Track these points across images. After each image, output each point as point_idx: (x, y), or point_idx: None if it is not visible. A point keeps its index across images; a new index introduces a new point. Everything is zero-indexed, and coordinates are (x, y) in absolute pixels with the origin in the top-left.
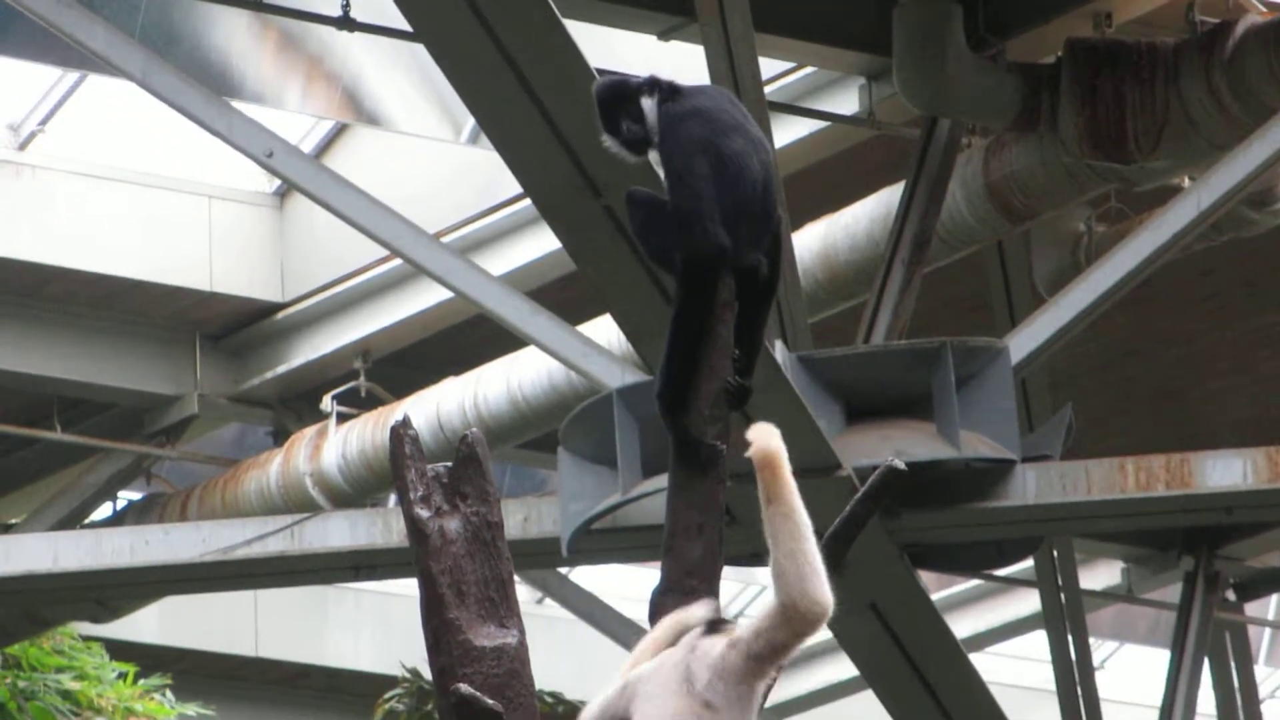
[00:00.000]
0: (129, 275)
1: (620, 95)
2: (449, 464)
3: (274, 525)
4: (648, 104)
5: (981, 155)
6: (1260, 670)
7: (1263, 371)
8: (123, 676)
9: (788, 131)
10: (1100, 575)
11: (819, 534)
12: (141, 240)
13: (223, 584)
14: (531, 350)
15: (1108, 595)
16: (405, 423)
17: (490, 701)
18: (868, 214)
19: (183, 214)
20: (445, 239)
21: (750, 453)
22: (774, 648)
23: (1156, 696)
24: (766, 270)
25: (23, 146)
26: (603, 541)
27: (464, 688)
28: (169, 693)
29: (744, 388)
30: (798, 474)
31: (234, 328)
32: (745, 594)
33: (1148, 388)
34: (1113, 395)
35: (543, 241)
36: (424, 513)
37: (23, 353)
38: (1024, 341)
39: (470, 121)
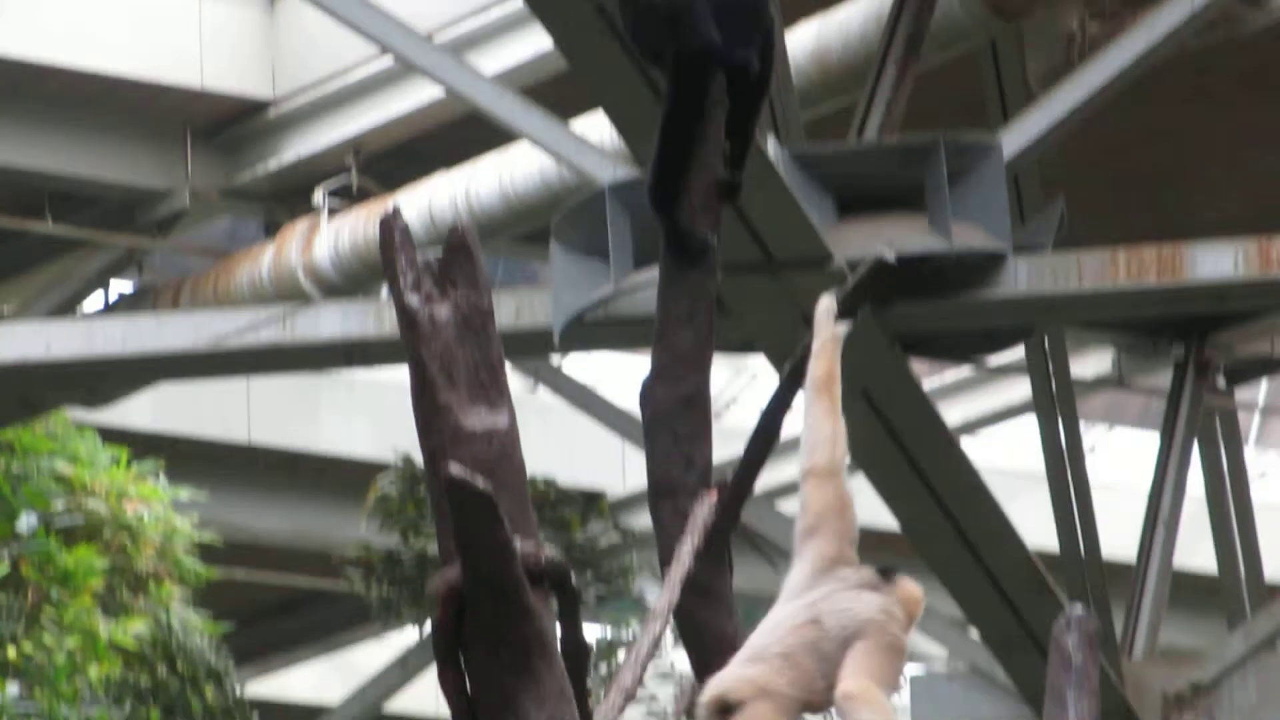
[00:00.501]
0: (121, 72)
1: None
2: (439, 252)
3: (266, 313)
4: None
5: None
6: (1249, 453)
7: (1255, 166)
8: (116, 461)
9: None
10: (1091, 362)
11: (808, 325)
12: (133, 36)
13: (215, 372)
14: (523, 145)
15: (1098, 383)
16: (395, 213)
17: (481, 482)
18: (861, 12)
19: (173, 10)
20: (437, 36)
21: (816, 334)
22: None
23: (1146, 480)
24: (758, 68)
25: None
26: (594, 331)
27: (455, 468)
28: (162, 477)
29: (734, 183)
30: (790, 265)
31: (225, 123)
32: (736, 382)
33: (1140, 181)
34: (1105, 189)
35: (535, 39)
36: (414, 299)
37: (14, 146)
38: (1017, 137)
39: None
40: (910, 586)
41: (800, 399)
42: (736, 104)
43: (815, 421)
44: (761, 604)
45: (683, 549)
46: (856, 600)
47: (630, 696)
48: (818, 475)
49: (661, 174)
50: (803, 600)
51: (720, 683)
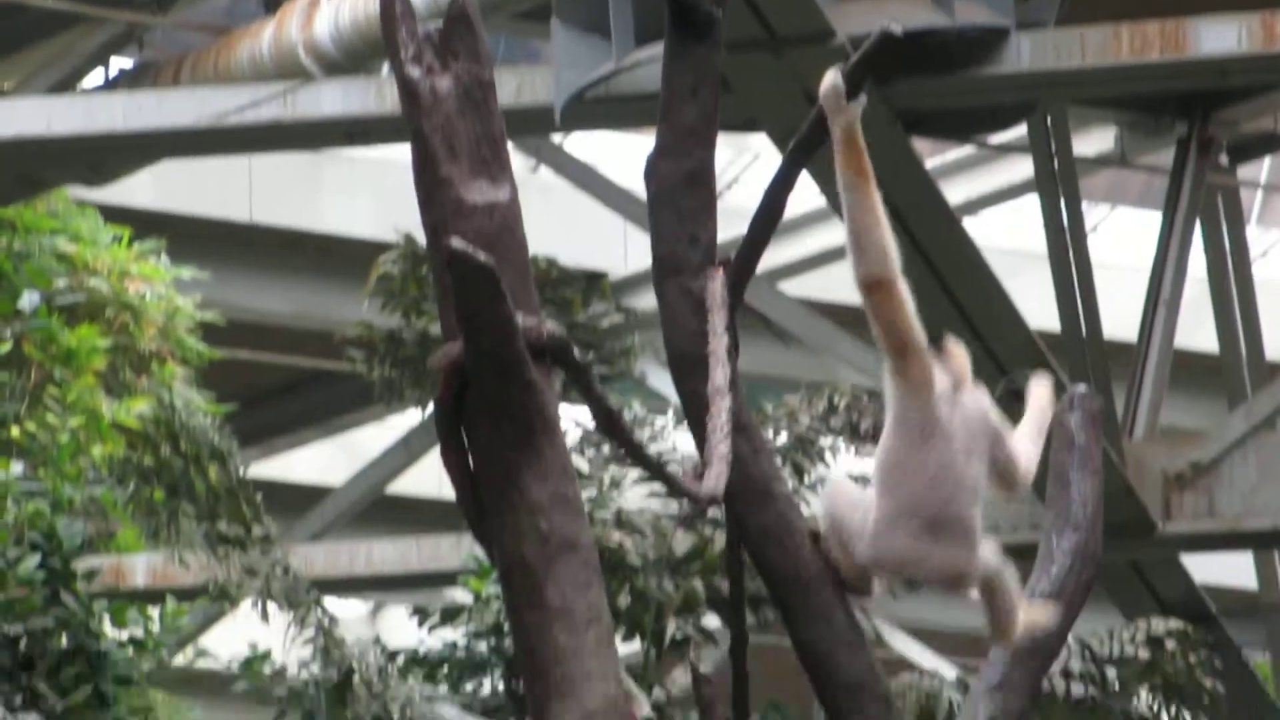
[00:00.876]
0: None
1: None
2: (440, 24)
3: (267, 91)
4: None
5: None
6: (1251, 231)
7: None
8: (117, 240)
9: None
10: (1093, 140)
11: (812, 103)
12: None
13: (216, 149)
14: None
15: (1101, 161)
16: None
17: (481, 255)
18: None
19: None
20: None
21: (831, 118)
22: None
23: (1148, 259)
24: None
25: None
26: (595, 110)
27: (455, 241)
28: (164, 256)
29: None
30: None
31: None
32: (739, 160)
33: None
34: None
35: None
36: (415, 72)
37: None
38: None
39: None
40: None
41: (804, 177)
42: None
43: (861, 224)
44: (765, 385)
45: (715, 322)
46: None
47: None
48: (881, 287)
49: None
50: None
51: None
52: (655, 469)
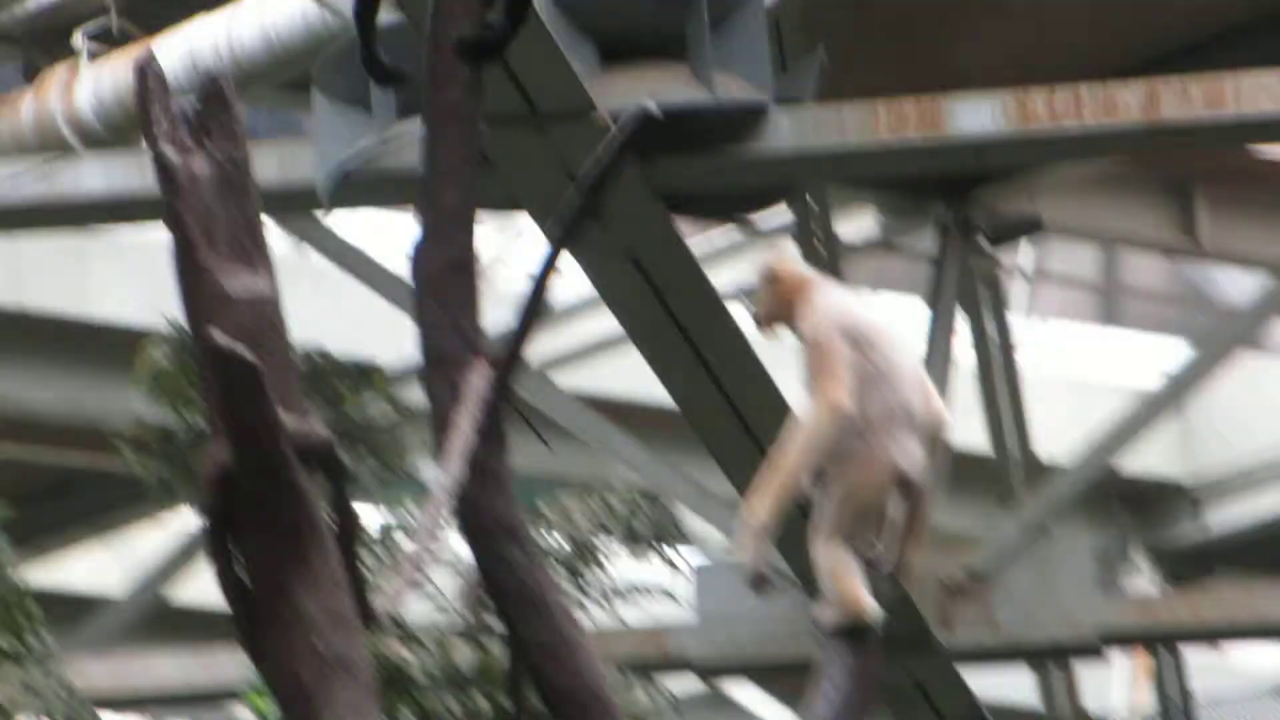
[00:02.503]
0: None
1: None
2: (195, 100)
3: (25, 165)
4: None
5: None
6: (1019, 321)
7: (1014, 9)
8: None
9: None
10: (856, 225)
11: (574, 180)
12: None
13: None
14: None
15: (864, 246)
16: (150, 57)
17: (245, 352)
18: None
19: None
20: None
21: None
22: None
23: (916, 348)
24: None
25: None
26: (362, 187)
27: (219, 337)
28: None
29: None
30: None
31: None
32: (501, 240)
33: (901, 28)
34: (866, 36)
35: None
36: (171, 150)
37: None
38: None
39: None
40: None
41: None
42: None
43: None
44: (539, 484)
45: (460, 421)
46: None
47: (413, 582)
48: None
49: None
50: None
51: None
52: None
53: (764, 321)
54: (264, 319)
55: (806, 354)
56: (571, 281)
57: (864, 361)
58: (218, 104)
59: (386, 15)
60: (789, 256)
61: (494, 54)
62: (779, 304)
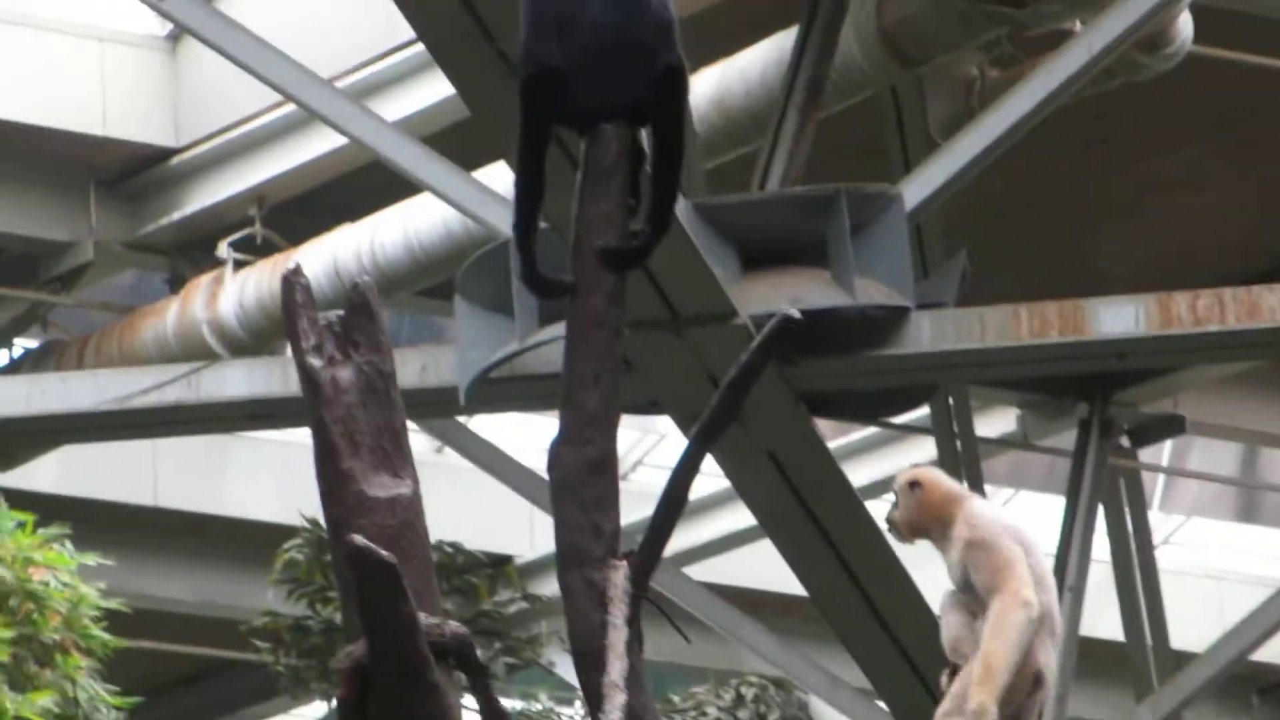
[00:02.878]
0: (21, 119)
1: None
2: (341, 312)
3: (171, 374)
4: None
5: (875, 0)
6: (1153, 516)
7: (1154, 216)
8: (21, 526)
9: None
10: (995, 423)
11: (715, 384)
12: (34, 84)
13: (120, 433)
14: (428, 196)
15: (1003, 442)
16: (296, 270)
17: (383, 553)
18: (762, 59)
19: (75, 57)
20: (340, 83)
21: None
22: None
23: (1052, 542)
24: (658, 119)
25: None
26: (501, 390)
27: (357, 539)
28: (68, 543)
29: (636, 249)
30: (694, 322)
31: (129, 173)
32: (644, 443)
33: (1041, 233)
34: (1007, 241)
35: (438, 86)
36: (316, 361)
37: None
38: (918, 188)
39: None
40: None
41: (709, 461)
42: (654, 156)
43: None
44: (671, 673)
45: (615, 616)
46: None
47: None
48: None
49: (516, 209)
50: None
51: None
52: None
53: (905, 529)
54: (404, 520)
55: (977, 556)
56: (706, 477)
57: (1030, 564)
58: (363, 314)
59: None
60: (932, 468)
61: (637, 263)
62: (923, 512)
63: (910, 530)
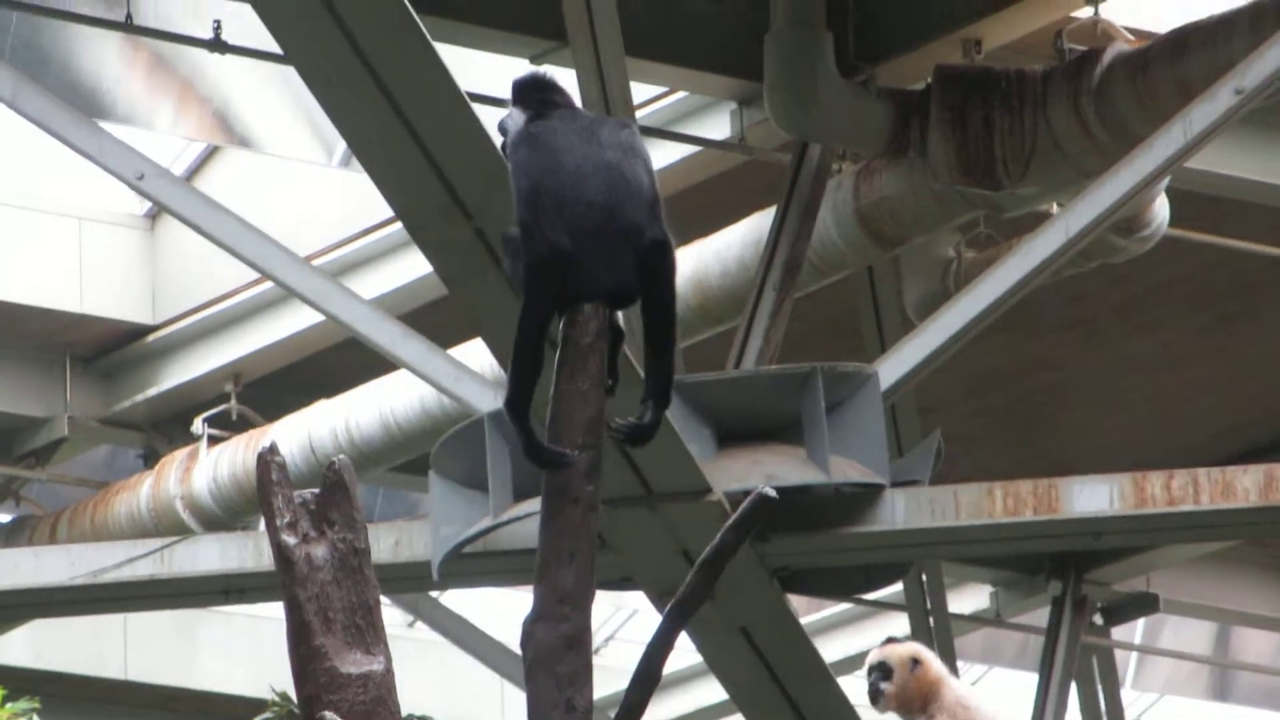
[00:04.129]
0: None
1: (515, 93)
2: (316, 490)
3: (144, 549)
4: (514, 115)
5: (852, 181)
6: (1126, 694)
7: (1130, 398)
8: None
9: (660, 156)
10: (969, 599)
11: (690, 562)
12: (11, 261)
13: (92, 607)
14: (404, 374)
15: (976, 619)
16: (272, 449)
17: None
18: (739, 239)
19: (53, 235)
20: (317, 262)
21: None
22: None
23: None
24: (647, 295)
25: None
26: (474, 565)
27: (329, 716)
28: (36, 717)
29: (640, 428)
30: (669, 498)
31: (105, 349)
32: (616, 617)
33: (1017, 414)
34: (982, 421)
35: (414, 264)
36: (290, 539)
37: None
38: (894, 367)
39: (342, 144)
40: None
41: (682, 637)
42: (647, 336)
43: None
44: None
45: None
46: None
47: None
48: None
49: (512, 385)
50: None
51: None
52: None
53: (895, 703)
54: (375, 696)
55: None
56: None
57: None
58: (339, 492)
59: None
60: (923, 646)
61: (648, 439)
62: (918, 689)
63: (900, 705)
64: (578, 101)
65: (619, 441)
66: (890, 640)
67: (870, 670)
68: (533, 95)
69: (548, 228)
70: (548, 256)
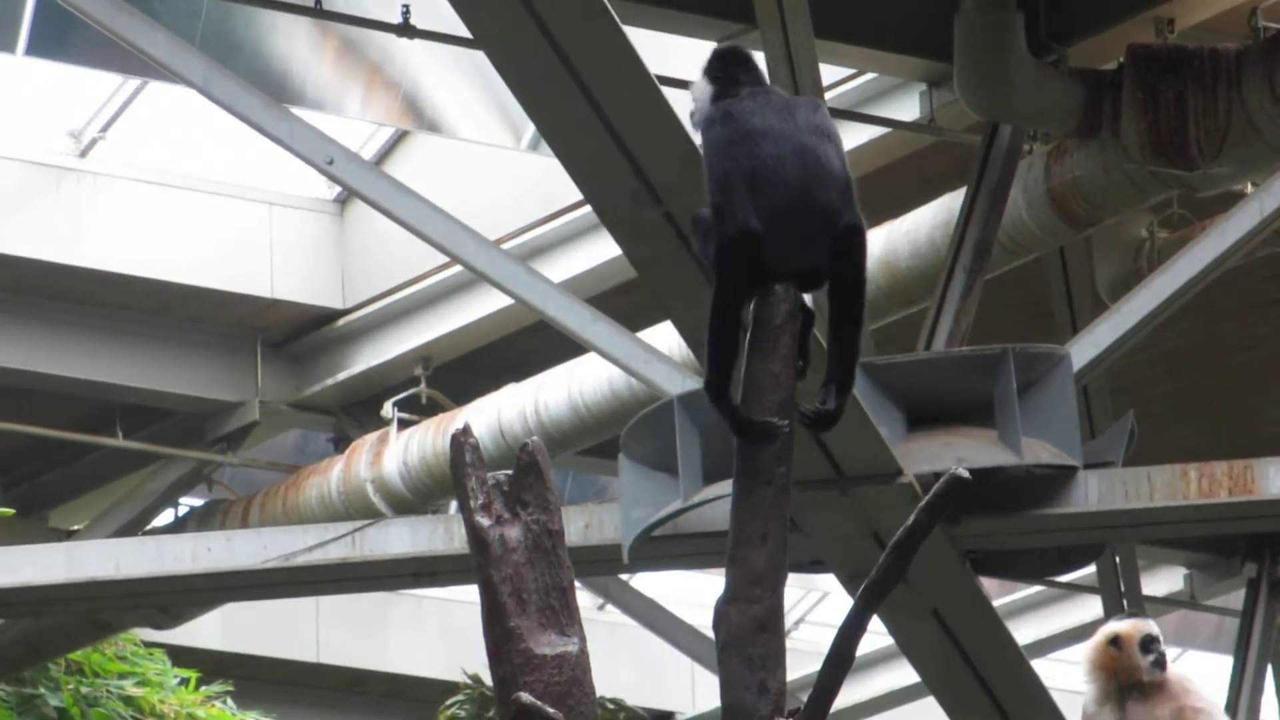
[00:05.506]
0: (191, 282)
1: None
2: (510, 472)
3: (335, 532)
4: (701, 85)
5: (1043, 162)
6: None
7: None
8: (184, 683)
9: (849, 138)
10: (1163, 581)
11: (881, 545)
12: (203, 247)
13: (284, 591)
14: (592, 357)
15: (1170, 601)
16: (465, 430)
17: (551, 710)
18: (929, 220)
19: (244, 221)
20: (506, 245)
21: None
22: None
23: (1220, 703)
24: (838, 277)
25: (84, 153)
26: (664, 548)
27: (525, 696)
28: (230, 699)
29: (825, 413)
30: (860, 480)
31: (295, 334)
32: (806, 600)
33: (1210, 394)
34: (1175, 402)
35: (603, 248)
36: (485, 521)
37: (85, 359)
38: (1086, 348)
39: (531, 128)
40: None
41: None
42: (833, 319)
43: None
44: None
45: None
46: None
47: None
48: None
49: (712, 366)
50: None
51: None
52: None
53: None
54: (570, 677)
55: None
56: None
57: None
58: (532, 473)
59: (691, 381)
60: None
61: (834, 423)
62: (1123, 670)
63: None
64: (767, 79)
65: (805, 427)
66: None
67: (1152, 639)
68: (725, 68)
69: (740, 209)
70: (739, 238)
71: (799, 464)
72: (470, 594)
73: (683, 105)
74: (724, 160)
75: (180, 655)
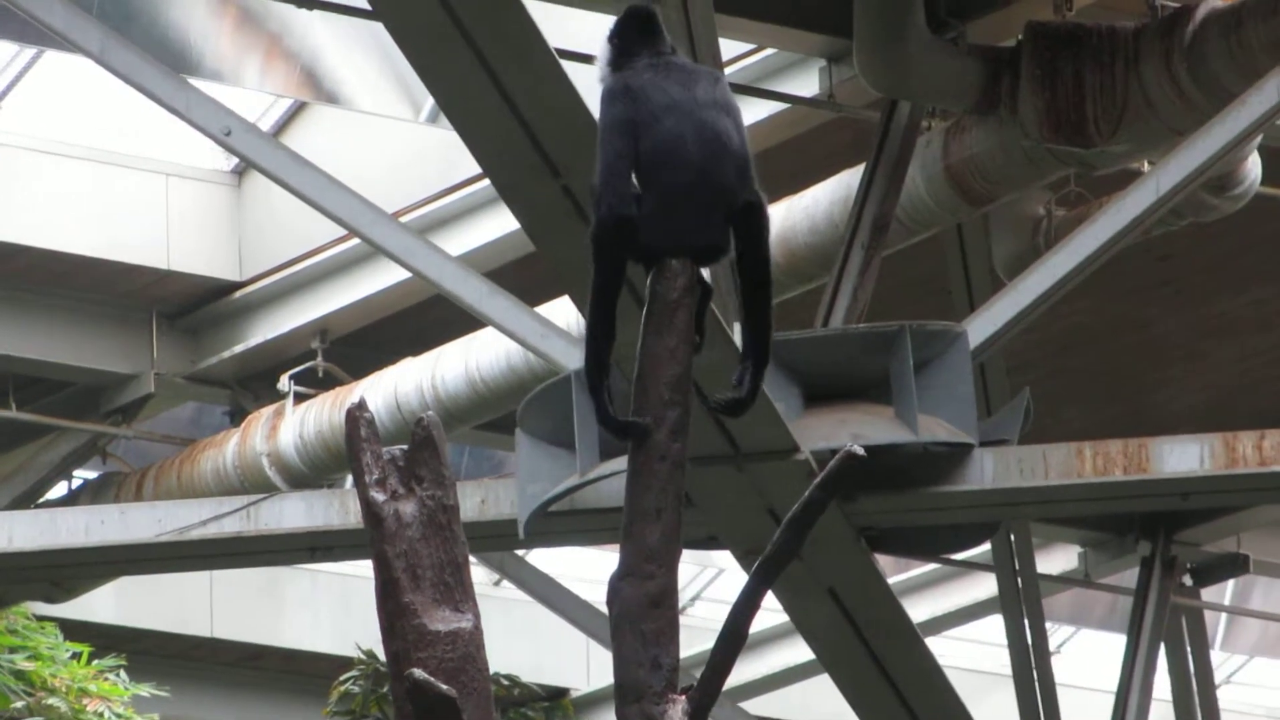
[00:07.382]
0: (85, 252)
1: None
2: (405, 447)
3: (230, 505)
4: (604, 53)
5: (941, 138)
6: (1216, 655)
7: (1219, 357)
8: (76, 657)
9: (749, 113)
10: (1057, 559)
11: (777, 521)
12: (98, 218)
13: (178, 564)
14: (490, 331)
15: (1064, 579)
16: (361, 405)
17: (444, 687)
18: (827, 196)
19: (140, 191)
20: (404, 218)
21: None
22: None
23: (1113, 681)
24: (741, 255)
25: None
26: (560, 524)
27: (418, 673)
28: (123, 673)
29: (736, 401)
30: (756, 456)
31: (191, 306)
32: (702, 576)
33: (1106, 373)
34: (1071, 380)
35: (501, 221)
36: (379, 496)
37: None
38: (982, 325)
39: (429, 100)
40: None
41: (768, 596)
42: (743, 297)
43: None
44: None
45: None
46: None
47: None
48: None
49: (588, 353)
50: None
51: None
52: None
53: None
54: (464, 654)
55: None
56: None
57: None
58: (427, 449)
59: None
60: None
61: (750, 405)
62: None
63: None
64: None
65: (718, 414)
66: None
67: None
68: (628, 31)
69: (616, 194)
70: (611, 223)
71: (695, 439)
72: (366, 569)
73: (581, 79)
74: (616, 139)
75: (73, 629)
